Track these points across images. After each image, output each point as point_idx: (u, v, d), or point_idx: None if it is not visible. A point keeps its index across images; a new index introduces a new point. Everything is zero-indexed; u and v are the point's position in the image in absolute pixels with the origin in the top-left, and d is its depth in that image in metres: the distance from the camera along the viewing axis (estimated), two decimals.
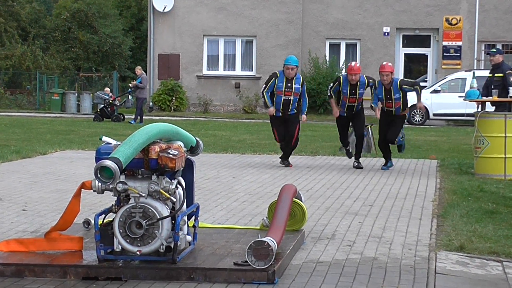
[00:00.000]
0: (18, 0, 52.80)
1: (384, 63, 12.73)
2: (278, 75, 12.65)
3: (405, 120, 13.72)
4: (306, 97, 13.17)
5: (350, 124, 13.58)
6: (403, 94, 12.31)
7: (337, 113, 13.02)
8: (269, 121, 16.24)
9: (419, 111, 27.35)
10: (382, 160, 15.58)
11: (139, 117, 26.21)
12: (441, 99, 31.13)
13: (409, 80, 14.53)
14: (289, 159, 13.80)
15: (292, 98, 12.53)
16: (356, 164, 13.04)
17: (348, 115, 13.03)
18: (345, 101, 12.71)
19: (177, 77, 35.87)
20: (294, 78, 12.44)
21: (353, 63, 14.08)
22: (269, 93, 12.76)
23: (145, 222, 6.27)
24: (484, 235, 8.99)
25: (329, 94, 13.25)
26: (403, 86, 12.25)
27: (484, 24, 34.47)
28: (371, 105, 13.40)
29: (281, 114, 12.66)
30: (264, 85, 12.92)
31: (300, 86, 12.60)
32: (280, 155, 13.78)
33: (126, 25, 53.25)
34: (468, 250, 8.25)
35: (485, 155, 14.48)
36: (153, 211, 6.26)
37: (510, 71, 15.99)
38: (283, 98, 12.54)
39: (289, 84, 12.39)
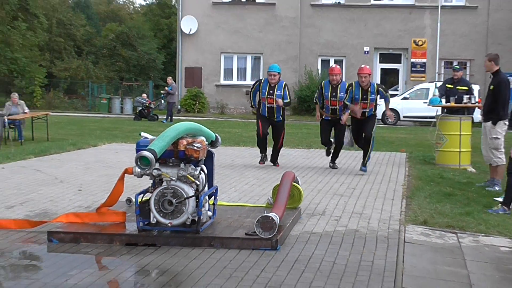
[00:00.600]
0: (75, 24, 52.71)
1: (362, 65, 11.58)
2: (262, 81, 11.83)
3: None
4: (288, 97, 11.64)
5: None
6: (377, 96, 11.46)
7: (318, 117, 12.09)
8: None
9: (387, 118, 25.94)
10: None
11: (169, 117, 26.11)
12: (410, 104, 31.14)
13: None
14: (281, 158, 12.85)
15: (275, 106, 11.44)
16: (331, 165, 12.01)
17: (332, 120, 11.88)
18: (327, 104, 11.75)
19: (199, 86, 35.82)
20: (277, 84, 11.44)
21: (333, 65, 13.18)
22: (255, 96, 11.89)
23: (175, 200, 6.42)
24: (443, 212, 9.27)
25: (315, 101, 12.46)
26: (380, 89, 11.41)
27: (443, 45, 34.01)
28: (344, 103, 11.67)
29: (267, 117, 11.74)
30: (250, 88, 12.18)
31: (281, 92, 11.46)
32: (261, 155, 12.31)
33: (159, 44, 52.88)
34: (430, 224, 8.55)
35: (444, 149, 14.71)
36: (181, 191, 6.45)
37: (472, 85, 16.66)
38: (267, 106, 11.60)
39: (271, 91, 11.37)
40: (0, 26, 40.32)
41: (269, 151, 12.54)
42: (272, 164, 12.04)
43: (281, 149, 12.46)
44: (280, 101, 11.34)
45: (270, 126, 11.83)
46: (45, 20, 45.98)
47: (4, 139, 18.08)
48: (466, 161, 14.61)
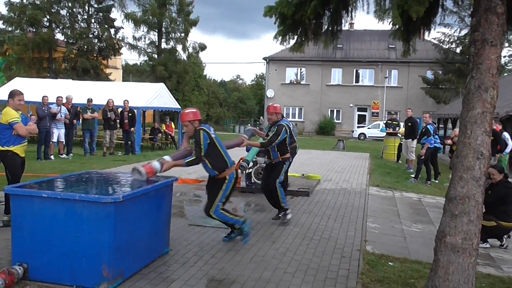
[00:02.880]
0: (219, 93, 55.61)
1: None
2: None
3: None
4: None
5: None
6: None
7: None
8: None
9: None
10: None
11: None
12: (370, 131, 36.01)
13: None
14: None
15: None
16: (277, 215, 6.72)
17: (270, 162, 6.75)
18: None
19: None
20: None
21: (271, 103, 6.73)
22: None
23: (260, 171, 7.92)
24: (386, 181, 11.11)
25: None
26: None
27: (387, 103, 39.45)
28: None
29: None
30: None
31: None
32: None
33: (257, 101, 55.56)
34: (380, 186, 10.25)
35: (387, 151, 16.95)
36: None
37: (400, 122, 17.03)
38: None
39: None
40: (187, 94, 42.87)
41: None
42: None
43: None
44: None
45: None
46: (206, 90, 51.33)
47: None
48: (395, 158, 16.31)
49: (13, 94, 5.90)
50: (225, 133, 39.61)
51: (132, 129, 15.78)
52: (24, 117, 6.10)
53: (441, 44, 35.95)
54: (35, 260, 3.99)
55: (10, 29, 30.53)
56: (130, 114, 15.73)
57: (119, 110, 15.58)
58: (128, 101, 15.83)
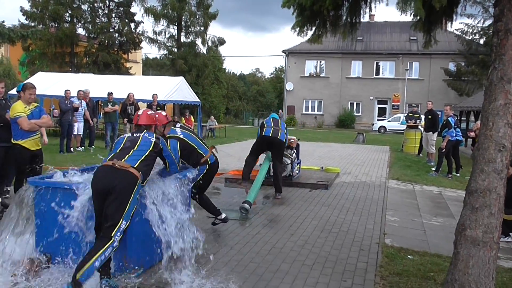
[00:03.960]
0: (238, 86, 55.50)
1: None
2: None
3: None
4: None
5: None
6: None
7: None
8: None
9: None
10: None
11: None
12: (391, 124, 35.83)
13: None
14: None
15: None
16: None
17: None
18: None
19: (293, 114, 41.26)
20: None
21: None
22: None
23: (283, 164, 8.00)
24: (406, 174, 11.05)
25: None
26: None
27: (408, 96, 39.16)
28: None
29: None
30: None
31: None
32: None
33: (276, 94, 54.88)
34: (400, 179, 10.21)
35: (407, 144, 16.84)
36: (285, 160, 8.25)
37: (421, 115, 16.36)
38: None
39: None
40: (206, 88, 43.51)
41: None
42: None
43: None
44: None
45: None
46: (225, 84, 50.81)
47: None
48: (416, 151, 16.06)
49: (24, 88, 5.95)
50: (244, 126, 39.73)
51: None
52: (39, 110, 6.12)
53: (464, 35, 35.00)
54: (57, 250, 4.09)
55: (33, 24, 30.81)
56: (158, 109, 15.57)
57: (145, 104, 15.75)
58: (156, 95, 15.98)
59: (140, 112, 4.44)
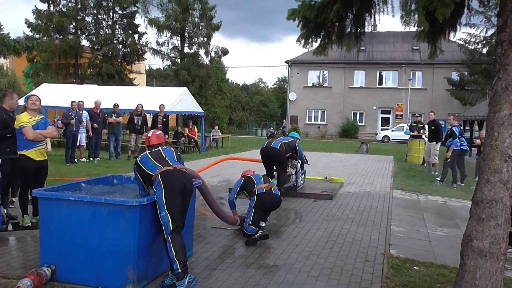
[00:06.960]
0: (241, 96, 54.89)
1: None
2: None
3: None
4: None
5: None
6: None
7: None
8: None
9: None
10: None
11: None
12: (394, 133, 35.90)
13: None
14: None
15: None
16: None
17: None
18: None
19: (296, 124, 40.79)
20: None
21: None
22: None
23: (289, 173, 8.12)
24: (411, 184, 10.99)
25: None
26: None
27: (411, 106, 38.75)
28: None
29: None
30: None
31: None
32: None
33: (279, 105, 53.22)
34: (405, 189, 10.14)
35: (411, 154, 17.04)
36: (290, 171, 8.30)
37: (424, 125, 16.08)
38: None
39: None
40: (210, 98, 42.96)
41: None
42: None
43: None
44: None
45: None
46: (228, 94, 51.42)
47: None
48: (420, 160, 16.17)
49: (27, 98, 6.06)
50: (247, 136, 39.75)
51: (167, 136, 15.42)
52: (44, 121, 6.17)
53: (466, 44, 35.31)
54: (62, 262, 4.08)
55: (38, 36, 31.08)
56: (164, 120, 15.75)
57: (150, 115, 15.72)
58: (163, 106, 15.95)
59: (149, 134, 4.71)
